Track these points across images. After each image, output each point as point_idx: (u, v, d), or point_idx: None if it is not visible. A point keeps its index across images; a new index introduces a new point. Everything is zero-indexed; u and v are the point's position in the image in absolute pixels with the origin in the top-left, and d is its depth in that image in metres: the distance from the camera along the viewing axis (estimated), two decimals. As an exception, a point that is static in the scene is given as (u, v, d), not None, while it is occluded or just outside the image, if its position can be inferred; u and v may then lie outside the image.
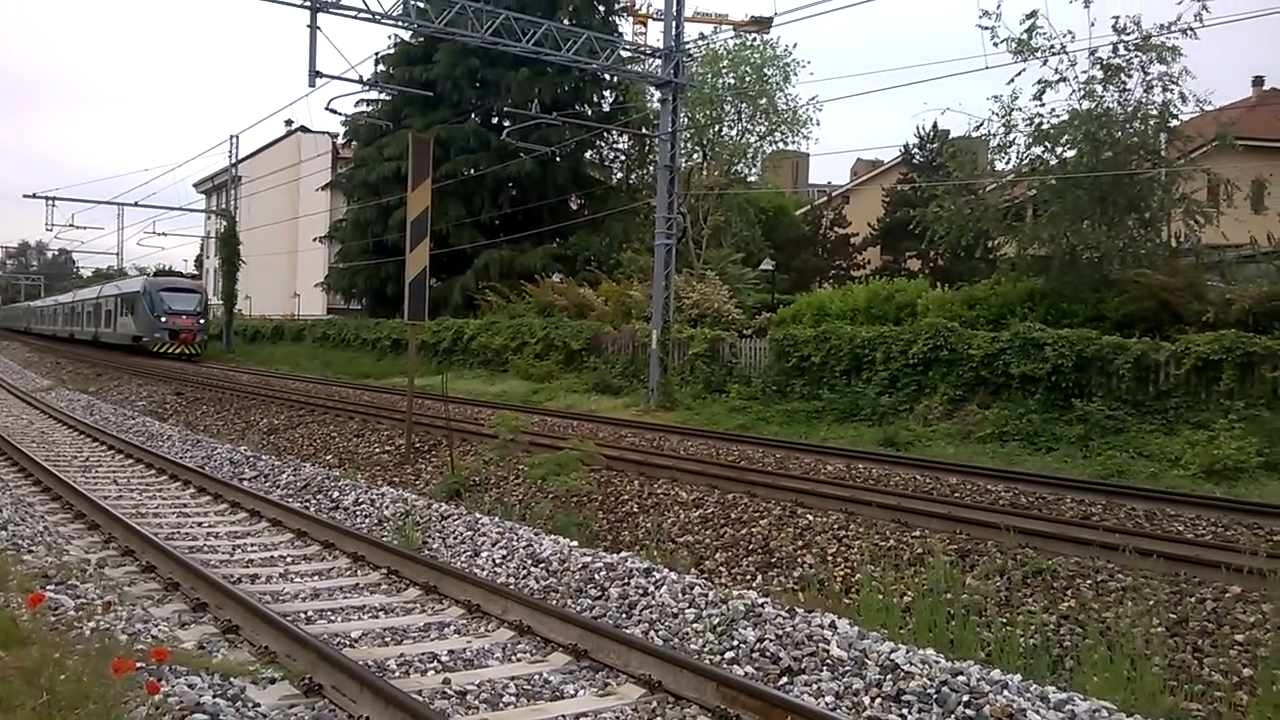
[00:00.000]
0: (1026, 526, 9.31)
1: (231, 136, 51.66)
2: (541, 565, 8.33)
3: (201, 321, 41.89)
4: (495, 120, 37.11)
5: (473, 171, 35.40)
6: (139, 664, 4.78)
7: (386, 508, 10.89)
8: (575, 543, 8.80)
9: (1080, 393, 16.73)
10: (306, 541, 9.62)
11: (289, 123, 59.35)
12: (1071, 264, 20.72)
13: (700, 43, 34.40)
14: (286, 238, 54.85)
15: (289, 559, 9.05)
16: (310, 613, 7.26)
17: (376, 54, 38.19)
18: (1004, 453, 15.53)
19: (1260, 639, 6.92)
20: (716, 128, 38.09)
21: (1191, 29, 19.56)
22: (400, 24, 23.40)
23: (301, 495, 12.23)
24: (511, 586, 7.98)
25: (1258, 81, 40.38)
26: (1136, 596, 7.70)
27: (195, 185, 66.53)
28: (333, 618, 7.20)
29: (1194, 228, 21.07)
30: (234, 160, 51.65)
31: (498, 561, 8.67)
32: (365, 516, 10.91)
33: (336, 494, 11.87)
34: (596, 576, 7.82)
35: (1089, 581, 8.13)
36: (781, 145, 40.14)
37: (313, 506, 11.57)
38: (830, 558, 9.35)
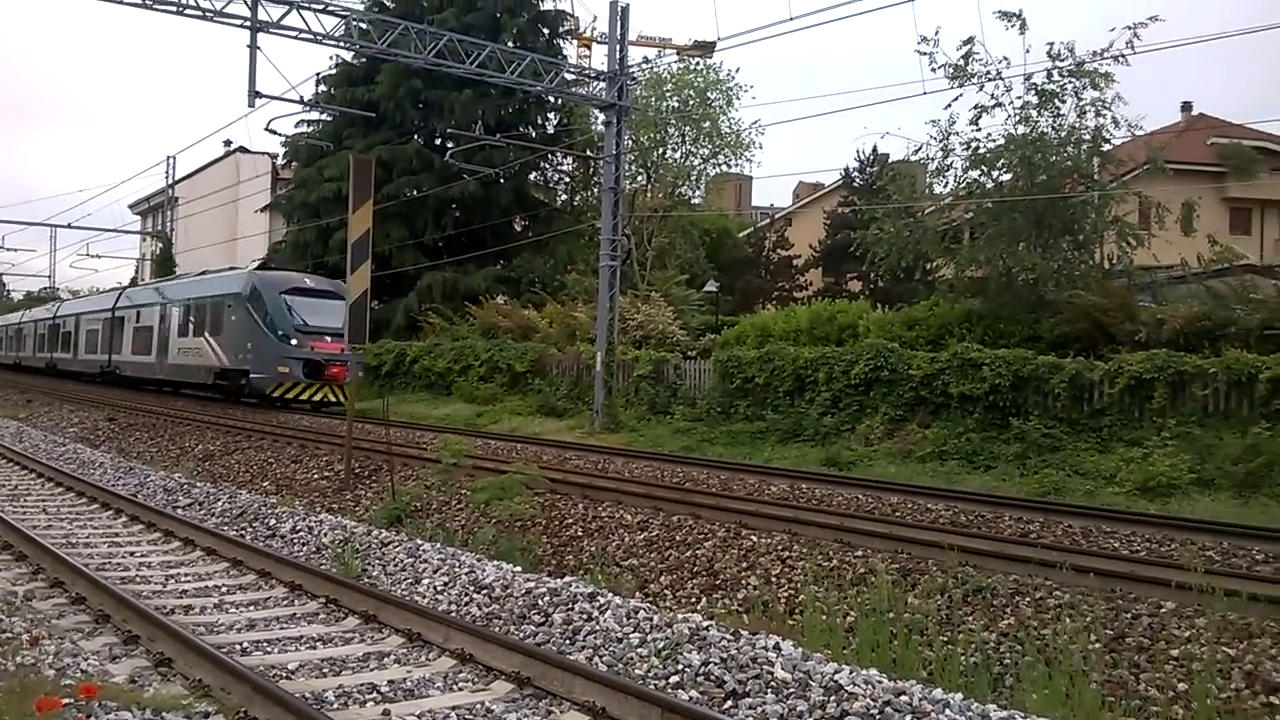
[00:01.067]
0: (967, 545, 9.40)
1: (168, 157, 50.81)
2: (484, 591, 8.23)
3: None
4: (438, 141, 36.95)
5: (415, 193, 35.16)
6: (66, 700, 4.63)
7: (325, 535, 10.70)
8: (519, 568, 8.72)
9: (1017, 412, 17.02)
10: (242, 571, 9.41)
11: (228, 143, 58.48)
12: (1008, 285, 21.12)
13: (644, 66, 34.57)
14: (224, 259, 53.93)
15: (224, 589, 8.84)
16: (246, 644, 7.09)
17: (318, 74, 37.83)
18: (944, 471, 15.75)
19: (1195, 654, 7.04)
20: (660, 150, 38.34)
21: (1123, 56, 20.13)
22: (342, 45, 23.30)
23: (237, 523, 11.98)
24: (453, 614, 7.87)
25: (1186, 107, 41.64)
26: (1074, 613, 7.80)
27: (130, 206, 65.30)
28: (269, 648, 7.04)
29: (1126, 250, 21.61)
30: (171, 181, 50.85)
31: (439, 589, 8.55)
32: (303, 544, 10.71)
33: (273, 521, 11.64)
34: (540, 602, 7.74)
35: (1028, 599, 8.22)
36: (725, 168, 40.52)
37: (249, 535, 11.34)
38: (774, 579, 9.37)
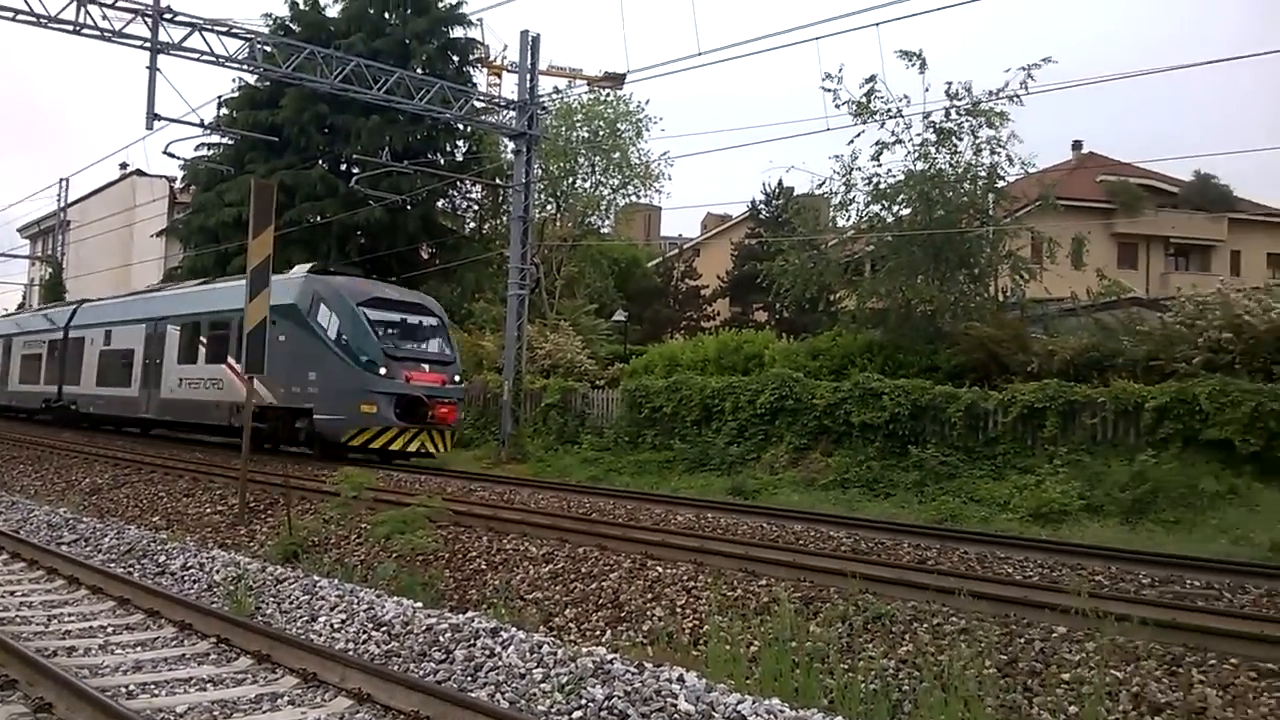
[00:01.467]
0: (867, 572, 9.51)
1: (61, 179, 49.02)
2: (383, 629, 8.05)
3: (458, 380, 20.35)
4: (344, 167, 36.43)
5: (319, 219, 34.57)
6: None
7: (217, 572, 10.36)
8: (420, 604, 8.56)
9: (916, 440, 17.45)
10: (129, 610, 9.03)
11: (124, 166, 56.83)
12: (907, 317, 21.67)
13: (554, 96, 34.74)
14: (119, 285, 52.26)
15: (110, 629, 8.48)
16: (132, 686, 6.80)
17: (219, 97, 37.01)
18: (845, 499, 16.03)
19: (1085, 677, 7.21)
20: (570, 180, 38.38)
21: (1018, 96, 20.97)
22: (246, 68, 22.92)
23: (125, 560, 11.52)
24: (351, 652, 7.67)
25: (1077, 146, 43.52)
26: (970, 639, 7.95)
27: (20, 230, 62.78)
28: (157, 691, 6.76)
29: (1019, 283, 22.38)
30: (63, 204, 49.08)
31: (336, 626, 8.34)
32: (194, 582, 10.35)
33: (163, 558, 11.23)
34: (441, 638, 7.61)
35: (926, 625, 8.36)
36: (634, 198, 40.76)
37: (137, 572, 10.91)
38: (679, 609, 9.36)
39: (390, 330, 19.15)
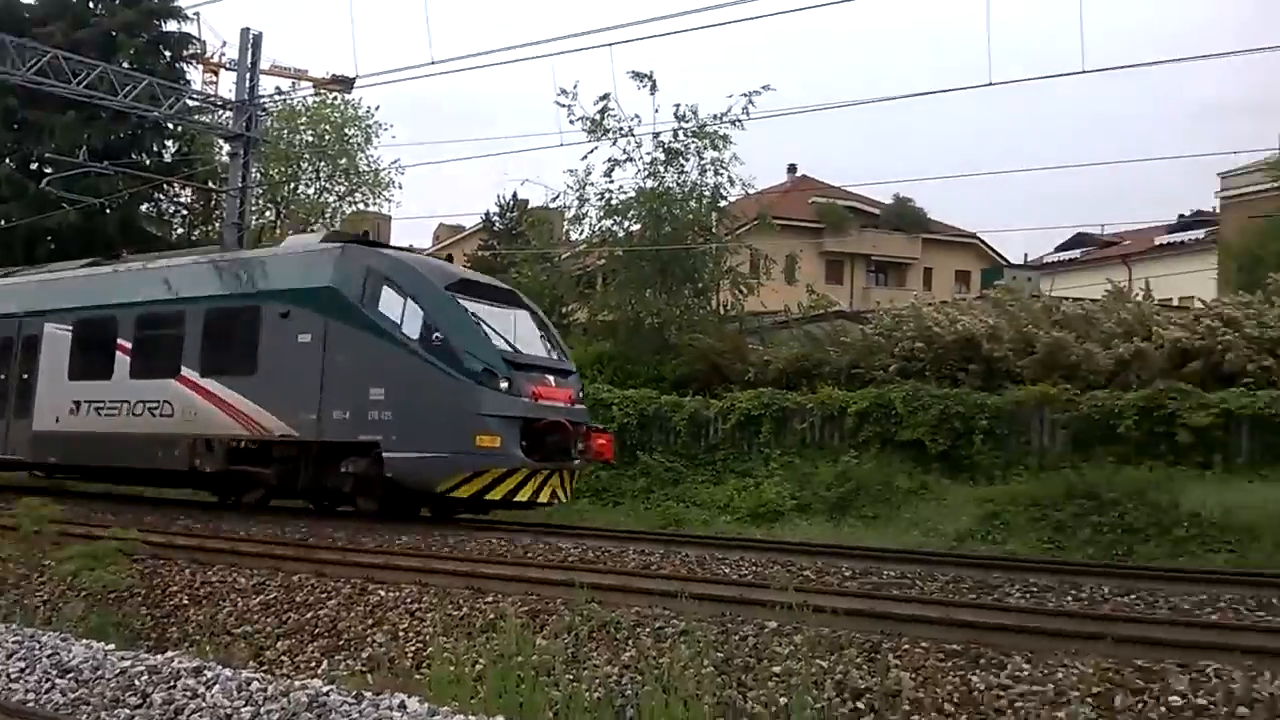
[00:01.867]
0: (594, 581, 9.61)
1: None
2: (70, 675, 7.33)
3: (581, 396, 14.98)
4: (35, 166, 33.15)
5: (3, 222, 31.29)
6: None
7: None
8: (112, 645, 7.87)
9: (643, 448, 17.94)
10: None
11: None
12: (636, 329, 22.23)
13: (277, 98, 33.10)
14: None
15: None
16: None
17: (-114, 87, 32.78)
18: (576, 509, 16.18)
19: (794, 669, 7.58)
20: (293, 185, 36.75)
21: (740, 120, 21.98)
22: (-79, 56, 20.51)
23: None
24: (31, 704, 6.94)
25: (791, 169, 46.39)
26: (689, 640, 8.19)
27: None
28: None
29: (739, 297, 23.48)
30: None
31: (14, 675, 7.51)
32: None
33: None
34: (137, 682, 7.02)
35: (648, 630, 8.54)
36: (363, 206, 39.55)
37: None
38: (402, 633, 9.10)
39: (501, 329, 13.58)
